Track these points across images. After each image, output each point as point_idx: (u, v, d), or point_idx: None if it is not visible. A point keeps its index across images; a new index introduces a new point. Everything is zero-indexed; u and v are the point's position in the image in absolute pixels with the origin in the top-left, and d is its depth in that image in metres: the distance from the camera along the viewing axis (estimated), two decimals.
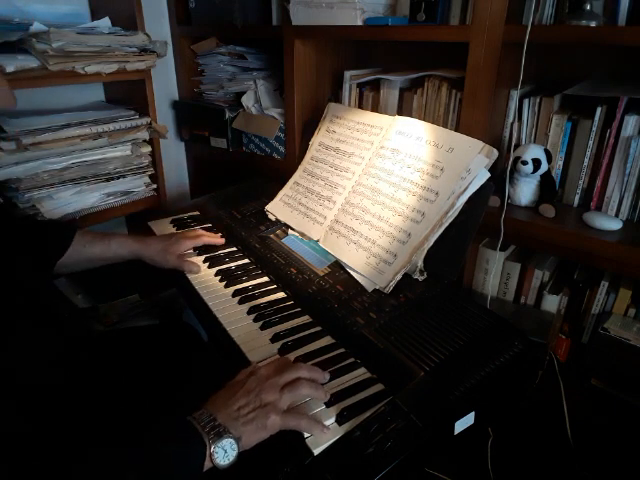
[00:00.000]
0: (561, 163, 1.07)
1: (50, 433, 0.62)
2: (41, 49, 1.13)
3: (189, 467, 0.60)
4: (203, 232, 1.17)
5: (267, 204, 1.27)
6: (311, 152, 1.27)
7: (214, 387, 0.71)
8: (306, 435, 0.66)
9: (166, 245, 1.08)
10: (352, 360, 0.80)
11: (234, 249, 1.16)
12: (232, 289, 1.00)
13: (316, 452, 0.65)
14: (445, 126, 1.17)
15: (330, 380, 0.76)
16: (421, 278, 0.96)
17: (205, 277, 1.06)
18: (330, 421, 0.68)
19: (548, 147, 1.05)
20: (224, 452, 0.61)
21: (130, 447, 0.59)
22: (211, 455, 0.60)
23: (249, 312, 0.93)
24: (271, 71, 1.54)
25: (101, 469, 0.57)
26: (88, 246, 1.05)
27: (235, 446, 0.62)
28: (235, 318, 0.91)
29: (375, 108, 1.33)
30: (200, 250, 1.14)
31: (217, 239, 1.16)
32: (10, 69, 1.09)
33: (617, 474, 0.97)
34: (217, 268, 1.07)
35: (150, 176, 1.51)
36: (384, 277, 0.95)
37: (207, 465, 0.61)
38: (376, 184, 1.07)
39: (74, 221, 1.34)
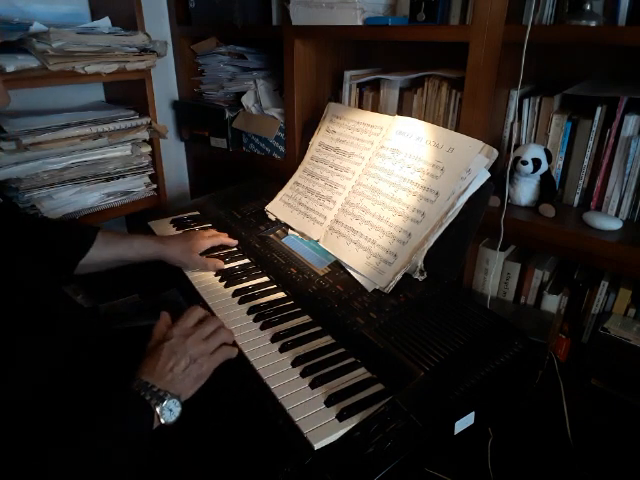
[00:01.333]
0: (561, 163, 1.07)
1: (46, 431, 0.62)
2: (41, 49, 1.13)
3: (140, 434, 0.66)
4: (218, 232, 1.18)
5: (267, 204, 1.27)
6: (311, 152, 1.27)
7: (213, 387, 0.71)
8: (306, 431, 0.66)
9: (189, 245, 1.08)
10: (352, 360, 0.80)
11: (234, 249, 1.16)
12: (232, 289, 1.00)
13: (317, 447, 0.65)
14: (445, 126, 1.17)
15: (330, 380, 0.76)
16: (421, 278, 0.96)
17: (205, 277, 1.06)
18: (330, 420, 0.69)
19: (548, 147, 1.05)
20: (170, 411, 0.68)
21: (85, 432, 0.63)
22: (159, 417, 0.67)
23: (249, 312, 0.93)
24: (271, 71, 1.54)
25: (69, 460, 0.60)
26: (111, 246, 1.04)
27: (178, 403, 0.69)
28: (235, 318, 0.91)
29: (375, 108, 1.33)
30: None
31: (231, 240, 1.17)
32: (10, 69, 1.09)
33: (617, 474, 0.97)
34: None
35: (150, 176, 1.51)
36: (384, 277, 0.95)
37: (156, 425, 0.67)
38: (376, 184, 1.07)
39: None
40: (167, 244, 1.08)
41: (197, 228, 1.26)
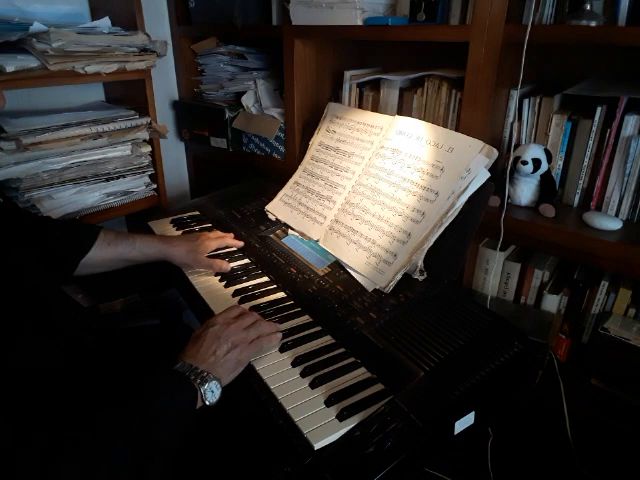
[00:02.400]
0: (561, 163, 1.07)
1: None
2: (41, 49, 1.13)
3: (184, 413, 0.68)
4: (223, 234, 1.17)
5: (267, 204, 1.27)
6: (311, 152, 1.27)
7: None
8: (306, 431, 0.66)
9: (194, 246, 1.07)
10: (352, 360, 0.80)
11: (234, 249, 1.16)
12: (232, 289, 1.00)
13: (317, 446, 0.65)
14: (445, 126, 1.17)
15: (330, 380, 0.76)
16: (421, 278, 0.96)
17: (205, 277, 1.06)
18: (330, 420, 0.69)
19: (548, 147, 1.05)
20: (211, 392, 0.71)
21: (129, 401, 0.65)
22: (202, 396, 0.70)
23: None
24: (271, 71, 1.54)
25: (111, 425, 0.62)
26: (112, 245, 1.03)
27: (219, 385, 0.72)
28: None
29: (375, 108, 1.32)
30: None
31: (238, 241, 1.16)
32: (10, 69, 1.08)
33: (617, 474, 0.97)
34: None
35: (150, 176, 1.51)
36: (384, 277, 0.95)
37: (198, 405, 0.70)
38: (376, 184, 1.07)
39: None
40: (172, 244, 1.07)
41: (197, 228, 1.26)
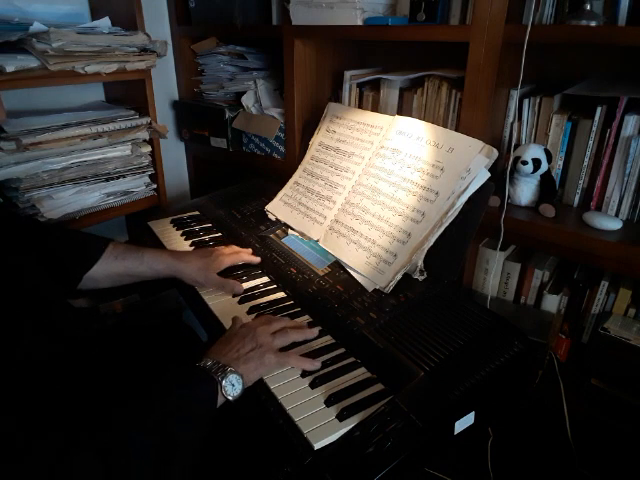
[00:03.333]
0: (561, 163, 1.07)
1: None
2: (41, 49, 1.13)
3: (205, 405, 0.69)
4: (240, 249, 1.10)
5: (267, 204, 1.27)
6: (311, 152, 1.27)
7: None
8: (306, 431, 0.66)
9: (206, 263, 1.00)
10: (352, 360, 0.80)
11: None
12: None
13: (317, 446, 0.65)
14: (445, 126, 1.17)
15: (330, 380, 0.76)
16: (421, 278, 0.96)
17: None
18: (330, 420, 0.69)
19: (548, 147, 1.05)
20: (232, 386, 0.71)
21: (148, 394, 0.66)
22: (222, 389, 0.70)
23: (249, 312, 0.93)
24: (271, 71, 1.54)
25: (128, 418, 0.62)
26: (120, 258, 0.98)
27: (240, 380, 0.72)
28: None
29: (375, 108, 1.32)
30: (196, 247, 1.14)
31: (254, 257, 1.08)
32: (10, 69, 1.08)
33: (617, 474, 0.97)
34: None
35: (150, 176, 1.51)
36: (384, 277, 0.95)
37: (220, 400, 0.70)
38: (376, 184, 1.07)
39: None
40: (182, 260, 1.01)
41: (197, 228, 1.26)
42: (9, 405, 0.59)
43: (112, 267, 0.99)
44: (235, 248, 1.10)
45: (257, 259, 1.08)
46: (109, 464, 0.56)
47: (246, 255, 1.08)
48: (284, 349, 0.80)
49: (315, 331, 0.85)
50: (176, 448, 0.62)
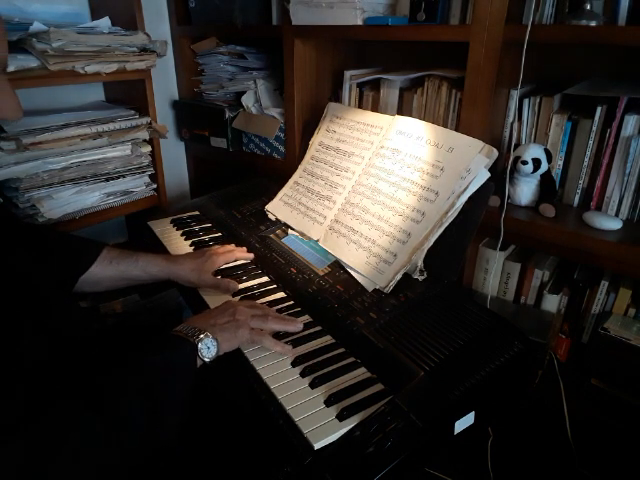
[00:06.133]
0: (561, 163, 1.07)
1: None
2: (41, 49, 1.13)
3: (185, 364, 0.73)
4: (233, 247, 1.11)
5: (267, 204, 1.27)
6: (311, 152, 1.27)
7: (214, 386, 0.73)
8: (306, 431, 0.66)
9: (199, 264, 1.01)
10: (352, 360, 0.80)
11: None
12: None
13: (317, 446, 0.65)
14: (445, 126, 1.17)
15: (330, 380, 0.76)
16: (421, 278, 0.96)
17: None
18: (330, 420, 0.69)
19: (548, 147, 1.05)
20: (207, 349, 0.75)
21: (129, 361, 0.69)
22: (199, 352, 0.74)
23: None
24: (271, 71, 1.54)
25: (114, 384, 0.65)
26: (114, 262, 1.00)
27: (215, 344, 0.76)
28: None
29: (375, 108, 1.33)
30: (196, 247, 1.14)
31: (247, 254, 1.10)
32: (10, 69, 1.08)
33: (617, 474, 0.97)
34: None
35: (150, 176, 1.51)
36: (384, 277, 0.95)
37: (198, 362, 0.74)
38: (376, 184, 1.07)
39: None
40: (176, 262, 1.02)
41: (197, 228, 1.26)
42: (9, 405, 0.59)
43: (107, 271, 1.00)
44: (228, 247, 1.11)
45: (250, 255, 1.10)
46: (108, 429, 0.60)
47: (239, 252, 1.10)
48: (279, 338, 0.84)
49: (300, 325, 0.87)
50: (163, 410, 0.66)
